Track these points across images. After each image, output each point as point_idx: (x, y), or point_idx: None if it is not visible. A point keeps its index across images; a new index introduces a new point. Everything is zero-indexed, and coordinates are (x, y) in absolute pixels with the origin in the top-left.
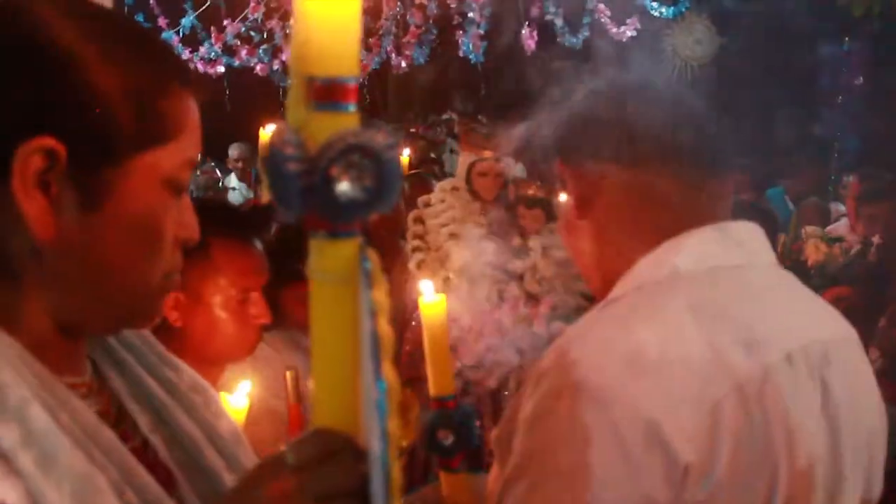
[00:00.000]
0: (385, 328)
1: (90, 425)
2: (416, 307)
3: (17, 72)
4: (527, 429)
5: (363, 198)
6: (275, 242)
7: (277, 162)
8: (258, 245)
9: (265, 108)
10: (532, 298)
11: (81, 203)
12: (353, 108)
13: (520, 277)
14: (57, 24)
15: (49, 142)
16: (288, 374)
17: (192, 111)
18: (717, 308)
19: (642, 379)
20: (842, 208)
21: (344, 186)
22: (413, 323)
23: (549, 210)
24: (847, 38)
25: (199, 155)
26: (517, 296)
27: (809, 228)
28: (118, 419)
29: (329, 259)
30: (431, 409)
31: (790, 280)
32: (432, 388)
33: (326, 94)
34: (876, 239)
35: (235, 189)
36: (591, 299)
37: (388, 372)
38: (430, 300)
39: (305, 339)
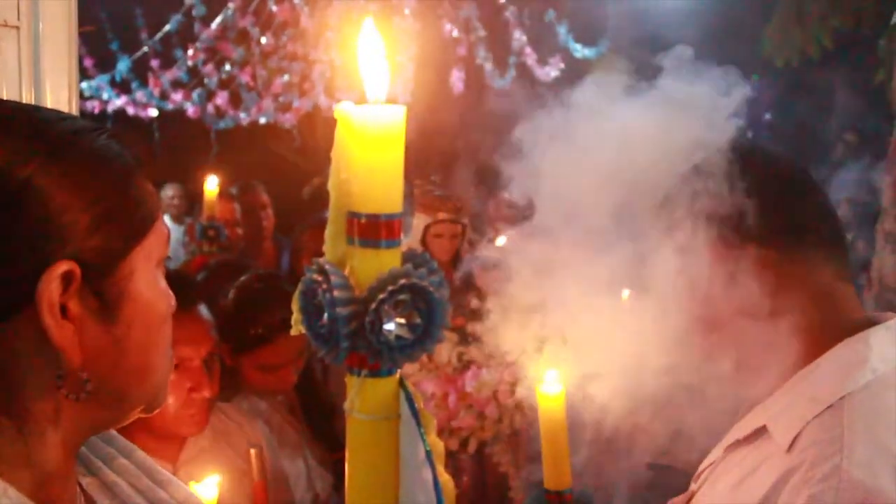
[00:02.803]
0: (445, 475)
1: None
2: None
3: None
4: None
5: (411, 337)
6: (232, 309)
7: (324, 303)
8: (201, 311)
9: (196, 150)
10: (493, 360)
11: (102, 316)
12: (397, 243)
13: (479, 339)
14: (12, 161)
15: (64, 265)
16: (252, 451)
17: (153, 189)
18: None
19: None
20: None
21: (393, 327)
22: None
23: (505, 270)
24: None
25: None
26: (477, 358)
27: None
28: None
29: (370, 398)
30: (549, 502)
31: None
32: (548, 482)
33: (370, 230)
34: None
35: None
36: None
37: None
38: (550, 392)
39: (265, 406)
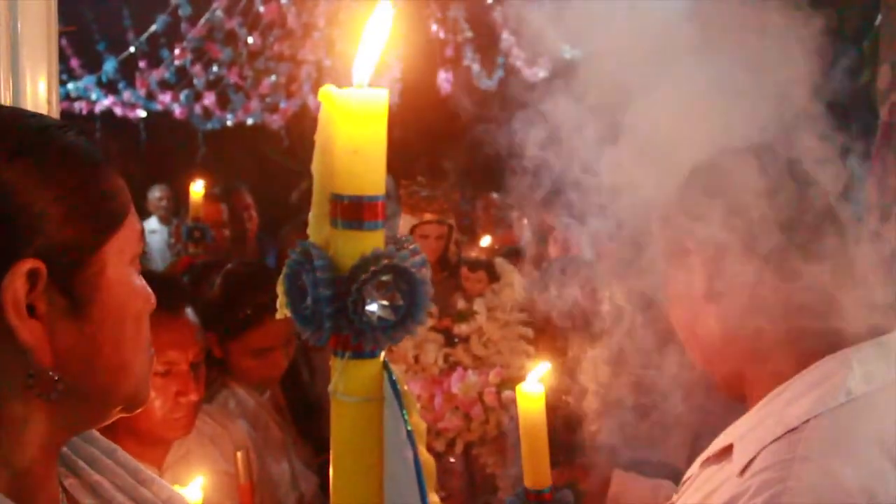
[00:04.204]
0: (426, 454)
1: None
2: None
3: None
4: None
5: (394, 318)
6: (220, 294)
7: (307, 284)
8: (188, 315)
9: (184, 151)
10: (479, 361)
11: (72, 313)
12: (380, 225)
13: (465, 340)
14: None
15: (29, 263)
16: (238, 454)
17: (124, 185)
18: None
19: None
20: None
21: (376, 307)
22: None
23: (492, 272)
24: None
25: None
26: (463, 360)
27: None
28: None
29: (353, 380)
30: (530, 502)
31: None
32: (528, 481)
33: (353, 212)
34: None
35: (155, 232)
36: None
37: (434, 500)
38: (531, 392)
39: (253, 404)
